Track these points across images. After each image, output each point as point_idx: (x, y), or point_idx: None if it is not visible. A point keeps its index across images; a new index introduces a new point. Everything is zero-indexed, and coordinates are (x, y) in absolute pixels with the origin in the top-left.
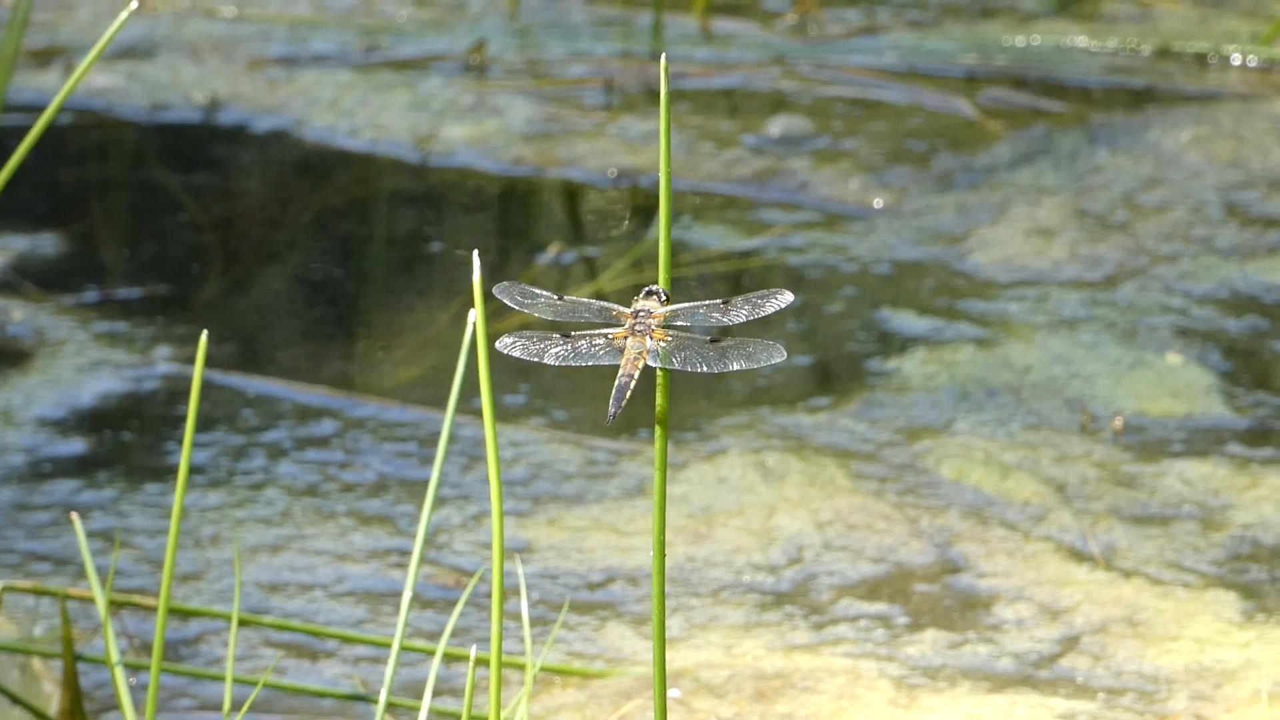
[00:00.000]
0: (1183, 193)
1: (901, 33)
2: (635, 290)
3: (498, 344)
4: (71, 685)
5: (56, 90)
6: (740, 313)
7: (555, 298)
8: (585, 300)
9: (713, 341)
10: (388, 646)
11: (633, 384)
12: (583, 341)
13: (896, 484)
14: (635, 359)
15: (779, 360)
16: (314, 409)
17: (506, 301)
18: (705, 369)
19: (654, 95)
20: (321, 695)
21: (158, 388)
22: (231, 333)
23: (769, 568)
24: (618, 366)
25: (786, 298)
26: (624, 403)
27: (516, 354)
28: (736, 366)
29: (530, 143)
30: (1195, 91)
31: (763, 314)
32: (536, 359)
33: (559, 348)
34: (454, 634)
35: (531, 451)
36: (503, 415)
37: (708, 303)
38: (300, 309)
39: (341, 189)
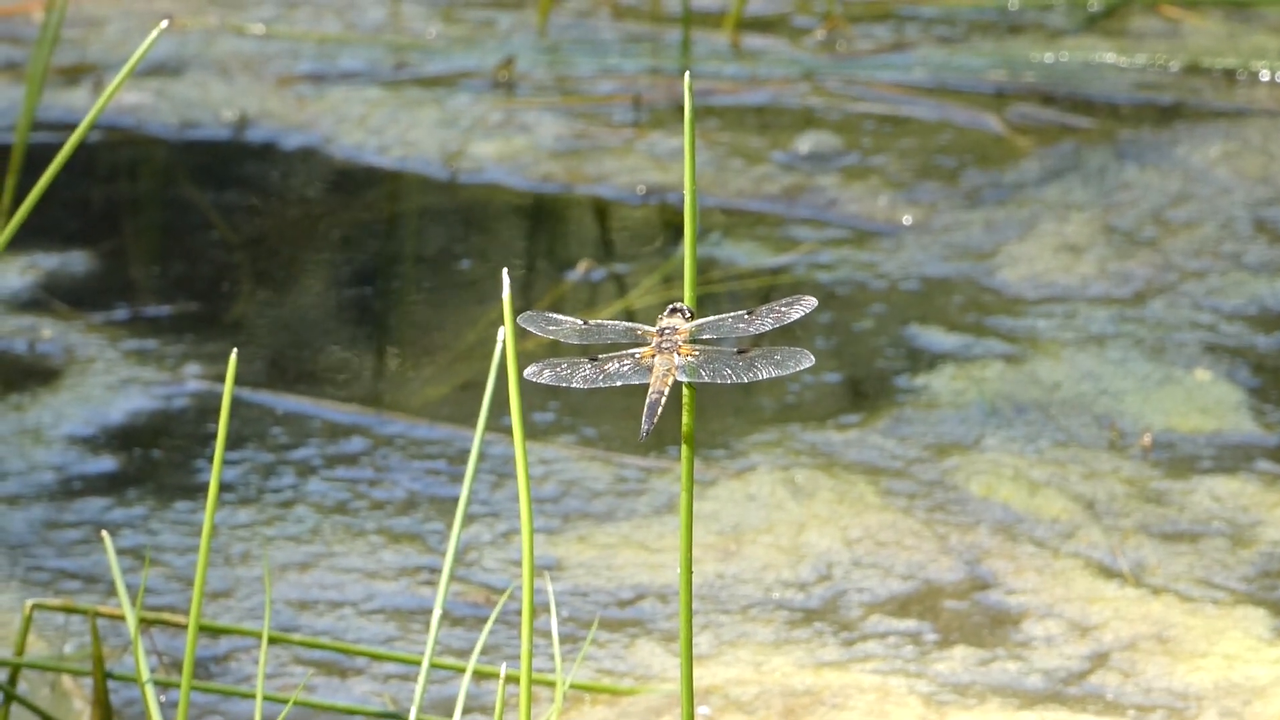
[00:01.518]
0: (1211, 209)
1: (930, 49)
2: (665, 307)
3: (526, 373)
4: (102, 703)
5: (85, 108)
6: (765, 322)
7: (579, 323)
8: (610, 322)
9: (740, 352)
10: (417, 664)
11: (663, 401)
12: (611, 363)
13: (925, 501)
14: (664, 376)
15: (807, 365)
16: (343, 426)
17: (532, 330)
18: (735, 380)
19: (683, 112)
20: (351, 713)
21: (187, 405)
22: (261, 350)
23: (798, 585)
24: (647, 385)
25: (810, 303)
26: (655, 420)
27: (545, 380)
28: (765, 375)
29: (559, 159)
30: (1224, 107)
31: (788, 321)
32: (565, 384)
33: (587, 371)
34: (484, 651)
35: (561, 469)
36: (532, 433)
37: (732, 315)
38: (330, 326)
39: (370, 206)
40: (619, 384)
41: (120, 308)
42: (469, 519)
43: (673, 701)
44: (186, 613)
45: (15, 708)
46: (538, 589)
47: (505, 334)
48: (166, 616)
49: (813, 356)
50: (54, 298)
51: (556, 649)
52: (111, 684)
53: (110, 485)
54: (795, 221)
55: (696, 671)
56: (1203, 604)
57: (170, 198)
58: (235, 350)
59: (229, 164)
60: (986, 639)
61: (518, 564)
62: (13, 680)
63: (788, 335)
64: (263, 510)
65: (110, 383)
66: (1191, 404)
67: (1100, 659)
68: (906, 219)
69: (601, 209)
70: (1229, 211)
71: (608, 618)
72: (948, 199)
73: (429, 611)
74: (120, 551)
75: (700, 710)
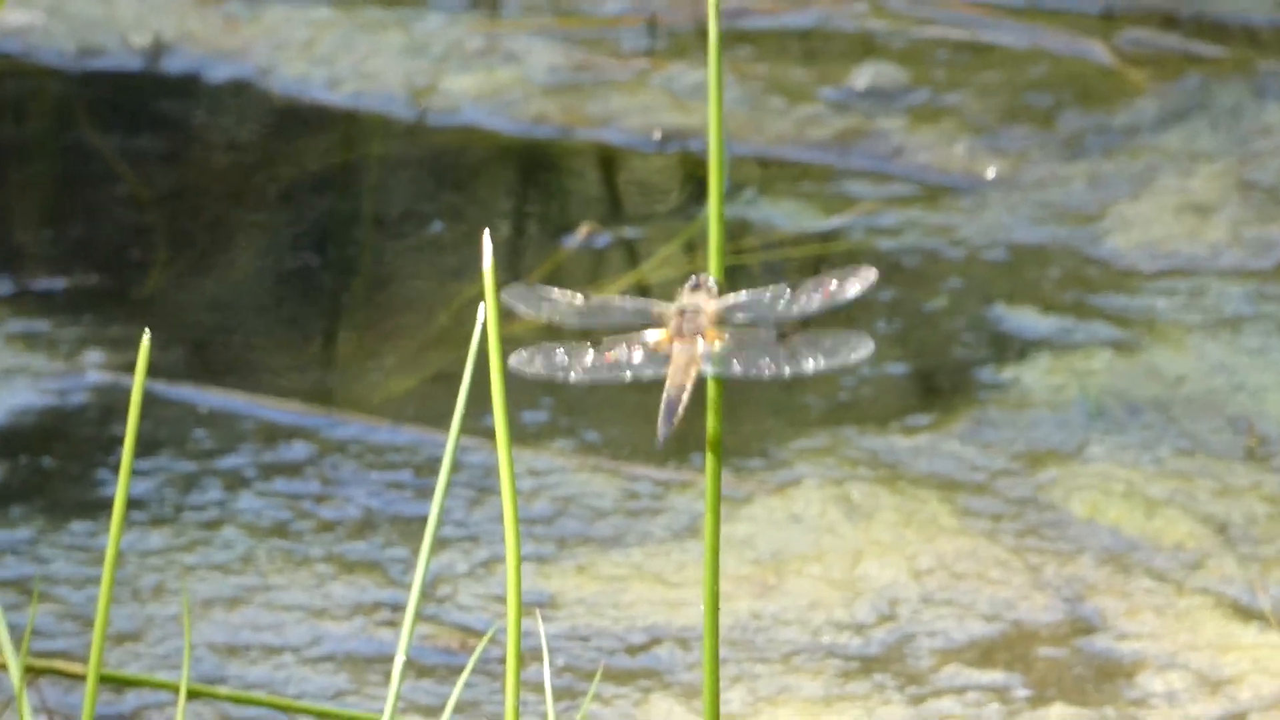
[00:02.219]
0: None
1: None
2: (686, 281)
3: (512, 361)
4: None
5: None
6: (813, 299)
7: (579, 298)
8: (617, 299)
9: (782, 338)
10: None
11: (685, 397)
12: (618, 350)
13: (1015, 523)
14: (686, 367)
15: (865, 355)
16: (284, 428)
17: (520, 308)
18: (775, 373)
19: (707, 37)
20: None
21: (87, 402)
22: (180, 333)
23: (854, 627)
24: (663, 378)
25: (870, 275)
26: (676, 421)
27: (536, 372)
28: (813, 367)
29: (554, 96)
30: None
31: (843, 300)
32: (561, 376)
33: (589, 360)
34: (458, 709)
35: (556, 482)
36: (520, 436)
37: (772, 290)
38: (267, 304)
39: (318, 154)
40: (628, 377)
41: (2, 280)
42: (440, 544)
43: None
44: (85, 660)
45: None
46: (526, 631)
47: (487, 313)
48: (59, 665)
49: (872, 343)
50: None
51: (550, 706)
52: None
53: None
54: (850, 175)
55: None
56: None
57: (67, 143)
58: (148, 333)
59: (140, 101)
60: (1092, 695)
61: (501, 600)
62: None
63: (842, 317)
64: (181, 533)
65: None
66: None
67: None
68: (990, 172)
69: (607, 159)
70: None
71: (614, 667)
72: (1042, 147)
73: (390, 659)
74: (1, 584)
75: None
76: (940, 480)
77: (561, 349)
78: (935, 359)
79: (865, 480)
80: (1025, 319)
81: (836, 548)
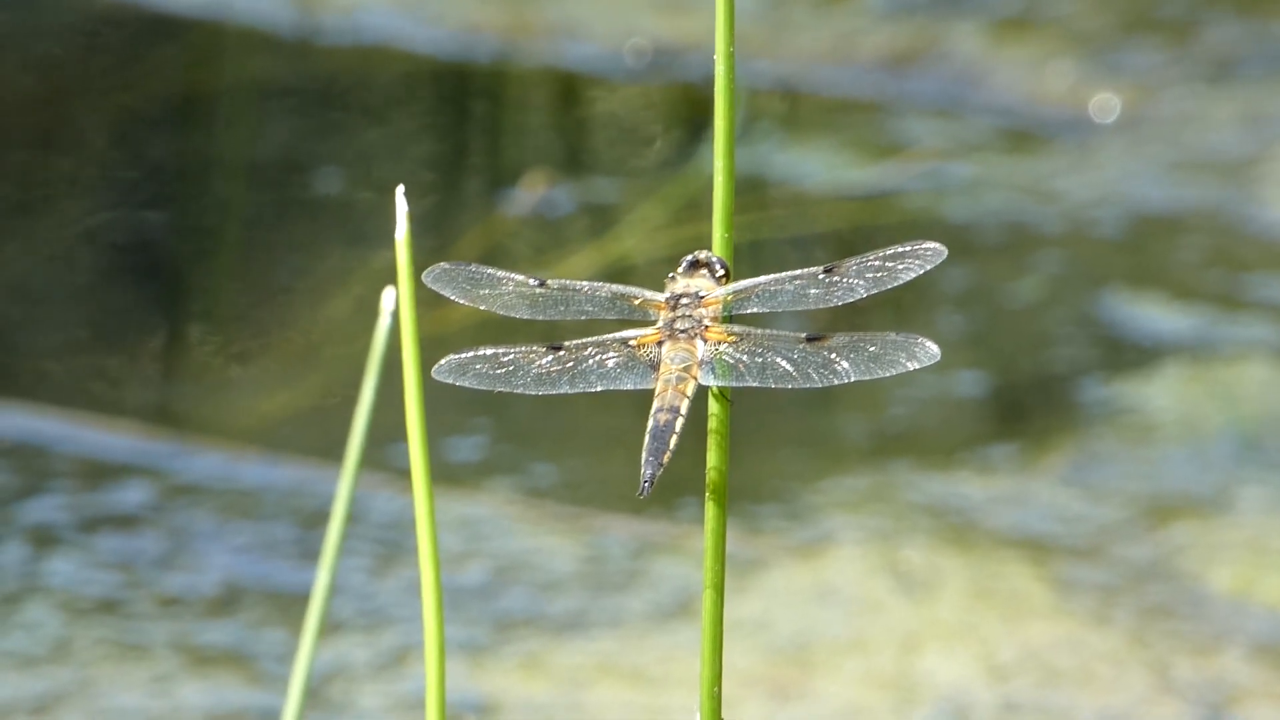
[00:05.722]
0: None
1: None
2: (673, 261)
3: (436, 370)
4: None
5: None
6: (855, 285)
7: (534, 282)
8: (586, 284)
9: (812, 340)
10: None
11: (679, 424)
12: (588, 353)
13: (1133, 600)
14: (680, 379)
15: (928, 362)
16: (113, 463)
17: (448, 294)
18: (799, 384)
19: None
20: None
21: None
22: None
23: None
24: (648, 393)
25: (934, 252)
26: (666, 458)
27: (469, 384)
28: (851, 377)
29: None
30: None
31: (895, 284)
32: (505, 389)
33: (544, 368)
34: None
35: (496, 539)
36: (446, 475)
37: (800, 272)
38: (91, 287)
39: (163, 78)
40: (598, 390)
41: None
42: (332, 626)
43: None
44: None
45: None
46: None
47: (399, 301)
48: None
49: (936, 349)
50: None
51: None
52: None
53: None
54: (905, 109)
55: None
56: None
57: None
58: None
59: None
60: None
61: (417, 706)
62: None
63: (895, 310)
64: None
65: None
66: None
67: None
68: (1103, 105)
69: (566, 85)
70: None
71: None
72: (1175, 69)
73: None
74: None
75: None
76: (1029, 540)
77: (506, 352)
78: (1023, 368)
79: (924, 538)
80: (1150, 313)
81: (884, 634)
